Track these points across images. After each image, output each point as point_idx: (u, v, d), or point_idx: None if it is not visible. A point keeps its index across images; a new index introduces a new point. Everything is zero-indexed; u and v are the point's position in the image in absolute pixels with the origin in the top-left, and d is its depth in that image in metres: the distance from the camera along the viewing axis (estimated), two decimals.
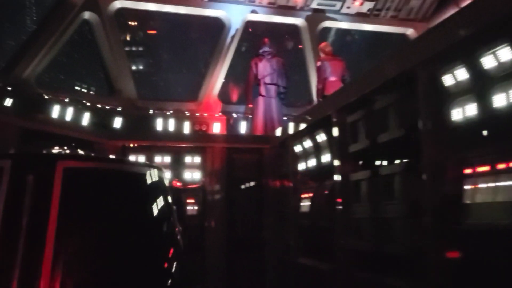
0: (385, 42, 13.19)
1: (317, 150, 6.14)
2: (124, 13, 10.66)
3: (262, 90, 10.05)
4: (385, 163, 4.78)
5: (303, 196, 6.50)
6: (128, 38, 10.52)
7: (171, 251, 3.52)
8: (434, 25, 4.06)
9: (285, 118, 10.37)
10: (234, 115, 11.23)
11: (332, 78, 9.56)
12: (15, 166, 2.92)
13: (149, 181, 3.40)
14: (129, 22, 10.47)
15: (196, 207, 7.82)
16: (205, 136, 8.90)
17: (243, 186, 8.24)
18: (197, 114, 10.87)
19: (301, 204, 6.51)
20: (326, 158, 5.84)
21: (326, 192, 5.69)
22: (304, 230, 6.41)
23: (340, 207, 5.17)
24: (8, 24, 9.54)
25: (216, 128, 10.54)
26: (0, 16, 9.32)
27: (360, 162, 5.11)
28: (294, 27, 11.80)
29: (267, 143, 8.12)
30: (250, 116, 10.80)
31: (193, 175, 7.92)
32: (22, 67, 9.21)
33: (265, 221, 7.88)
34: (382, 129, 4.59)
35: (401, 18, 11.77)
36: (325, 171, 5.84)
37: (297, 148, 6.79)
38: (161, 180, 3.62)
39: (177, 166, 7.90)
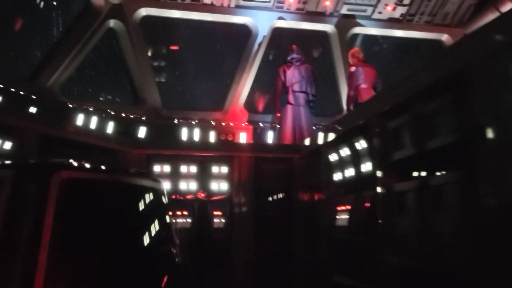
0: (415, 50, 12.62)
1: (354, 159, 5.68)
2: (149, 21, 10.47)
3: (291, 98, 9.68)
4: (434, 172, 4.29)
5: (338, 208, 6.04)
6: (152, 46, 10.31)
7: (166, 263, 3.48)
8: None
9: (314, 127, 9.98)
10: (261, 124, 10.92)
11: (364, 86, 9.11)
12: (11, 176, 2.88)
13: (146, 193, 3.36)
14: (154, 30, 10.26)
15: (222, 220, 7.43)
16: (232, 145, 8.56)
17: (271, 198, 7.82)
18: (223, 124, 10.62)
19: (336, 217, 6.04)
20: (365, 167, 5.38)
21: (366, 204, 5.22)
22: (339, 245, 5.94)
23: (383, 221, 4.70)
24: (34, 33, 9.45)
25: (242, 138, 10.24)
26: (25, 25, 9.21)
27: (405, 172, 4.63)
28: (321, 34, 11.43)
29: (297, 153, 7.70)
30: (278, 126, 10.46)
31: (219, 186, 7.55)
32: (47, 75, 9.12)
33: (295, 235, 7.43)
34: (431, 135, 4.13)
35: (436, 24, 11.26)
36: (363, 181, 5.38)
37: (332, 158, 6.35)
38: (159, 192, 3.54)
39: (203, 176, 7.56)
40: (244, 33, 10.92)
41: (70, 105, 9.24)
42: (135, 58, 10.30)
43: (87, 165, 3.19)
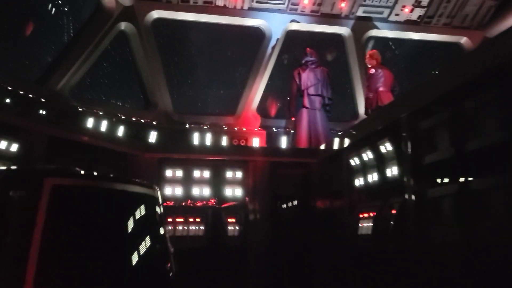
0: (431, 53, 12.28)
1: (380, 164, 5.34)
2: (161, 23, 10.26)
3: (306, 101, 9.37)
4: (476, 175, 3.94)
5: (361, 216, 5.67)
6: (164, 50, 10.09)
7: (161, 272, 3.39)
8: None
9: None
10: (274, 129, 10.64)
11: (383, 89, 8.80)
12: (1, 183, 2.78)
13: (140, 200, 3.26)
14: (166, 33, 10.05)
15: (237, 227, 7.09)
16: (247, 149, 8.26)
17: (287, 204, 7.49)
18: (235, 129, 10.36)
19: (360, 225, 5.68)
20: (393, 171, 5.03)
21: (394, 211, 4.86)
22: (364, 256, 5.57)
23: (415, 229, 4.34)
24: (45, 36, 9.28)
25: (256, 143, 9.96)
26: (36, 28, 9.04)
27: (438, 176, 4.29)
28: (336, 37, 11.15)
29: (314, 157, 7.37)
30: (292, 131, 10.16)
31: (233, 192, 7.23)
32: (56, 79, 8.91)
33: (313, 244, 7.06)
34: (472, 135, 3.80)
35: (455, 26, 10.92)
36: (391, 186, 5.04)
37: (354, 162, 6.00)
38: (153, 199, 3.42)
39: (216, 181, 7.24)
40: (257, 36, 10.67)
41: (80, 109, 9.02)
42: (146, 62, 10.09)
43: (79, 171, 3.06)
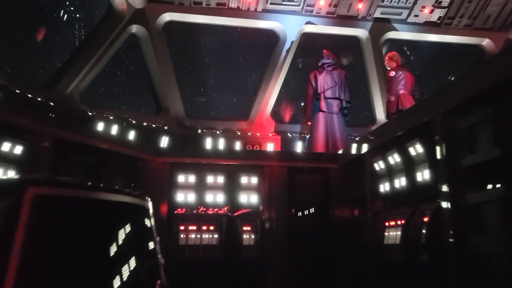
0: (451, 56, 11.83)
1: (409, 167, 4.96)
2: (173, 26, 10.01)
3: (323, 105, 8.99)
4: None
5: (388, 224, 5.28)
6: (176, 53, 9.83)
7: (149, 286, 3.19)
8: None
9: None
10: (289, 135, 10.29)
11: (403, 91, 8.41)
12: None
13: (128, 211, 3.11)
14: (178, 36, 9.80)
15: (252, 236, 6.71)
16: (263, 154, 7.88)
17: (306, 212, 7.10)
18: (249, 134, 10.05)
19: (386, 234, 5.28)
20: (424, 176, 4.64)
21: (427, 219, 4.46)
22: (393, 268, 5.16)
23: (453, 239, 3.94)
24: (55, 39, 9.06)
25: (270, 149, 9.64)
26: (47, 30, 8.83)
27: (481, 180, 3.89)
28: (352, 40, 10.81)
29: (334, 162, 6.98)
30: (307, 136, 9.81)
31: (249, 198, 6.86)
32: (65, 82, 8.66)
33: (335, 254, 6.65)
34: (502, 139, 3.42)
35: (476, 27, 10.51)
36: (423, 192, 4.66)
37: (379, 166, 5.62)
38: (143, 210, 3.26)
39: (231, 187, 6.88)
40: (271, 39, 10.37)
41: (90, 113, 8.77)
42: (157, 65, 9.84)
43: (65, 180, 2.87)
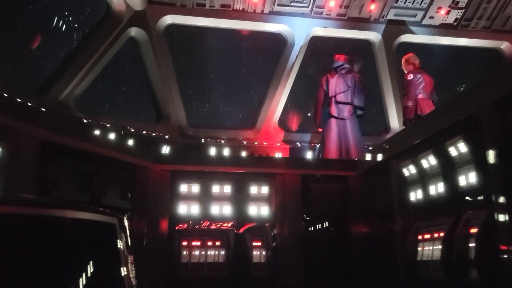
0: (465, 60, 11.21)
1: (448, 170, 4.29)
2: (175, 30, 9.46)
3: (333, 109, 8.38)
4: None
5: (422, 237, 4.59)
6: (177, 58, 9.27)
7: None
8: None
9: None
10: (298, 144, 9.67)
11: (422, 96, 7.80)
12: None
13: (91, 229, 2.92)
14: (180, 40, 9.25)
15: (263, 253, 6.03)
16: (274, 161, 7.20)
17: (323, 225, 6.42)
18: (256, 143, 9.44)
19: (419, 249, 4.59)
20: (469, 179, 3.96)
21: (474, 230, 3.77)
22: (427, 287, 4.45)
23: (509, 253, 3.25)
24: (48, 40, 8.49)
25: None
26: (40, 32, 8.27)
27: None
28: (363, 43, 10.25)
29: (353, 170, 6.32)
30: (317, 146, 9.18)
31: (259, 210, 6.18)
32: (59, 88, 8.08)
33: (355, 273, 5.93)
34: None
35: (495, 30, 9.95)
36: (465, 199, 3.98)
37: (409, 171, 4.95)
38: (112, 228, 3.05)
39: (239, 198, 6.22)
40: (278, 43, 9.81)
41: (85, 120, 8.15)
42: (158, 71, 9.28)
43: (22, 197, 2.89)
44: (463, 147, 4.04)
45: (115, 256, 2.98)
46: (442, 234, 4.24)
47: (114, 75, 9.45)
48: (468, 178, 4.00)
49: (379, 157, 5.70)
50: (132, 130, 8.72)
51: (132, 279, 3.00)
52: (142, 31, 9.13)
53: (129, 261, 3.13)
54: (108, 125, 8.39)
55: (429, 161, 4.59)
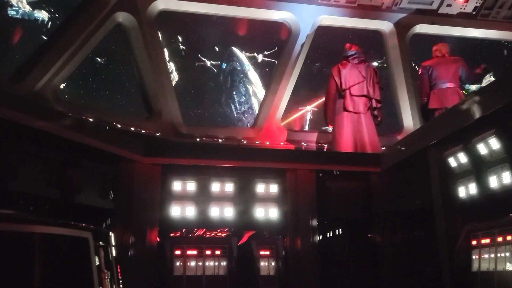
0: (479, 52, 10.46)
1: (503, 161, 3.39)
2: (167, 16, 8.58)
3: (348, 103, 7.54)
4: None
5: (477, 243, 3.67)
6: (170, 47, 8.36)
7: None
8: None
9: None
10: (304, 144, 8.80)
11: (437, 87, 7.24)
12: None
13: (63, 245, 2.76)
14: (173, 28, 8.35)
15: (272, 264, 5.11)
16: (284, 154, 6.31)
17: (342, 230, 5.53)
18: (257, 143, 8.57)
19: (474, 257, 3.67)
20: None
21: None
22: None
23: None
24: (24, 24, 7.55)
25: None
26: (14, 13, 7.35)
27: None
28: (374, 34, 9.47)
29: (377, 165, 5.42)
30: (326, 145, 8.32)
31: (266, 212, 5.26)
32: (35, 75, 7.15)
33: (380, 283, 5.00)
34: None
35: None
36: None
37: (457, 161, 4.04)
38: (83, 242, 2.86)
39: (243, 198, 5.33)
40: (282, 32, 8.97)
41: (63, 114, 7.19)
42: (149, 61, 8.39)
43: None
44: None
45: (86, 275, 2.82)
46: (509, 238, 3.31)
47: (100, 64, 8.52)
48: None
49: (412, 147, 4.79)
50: (119, 126, 7.80)
51: None
52: (131, 17, 8.26)
53: (107, 277, 2.95)
54: (90, 120, 7.48)
55: (486, 146, 3.68)
